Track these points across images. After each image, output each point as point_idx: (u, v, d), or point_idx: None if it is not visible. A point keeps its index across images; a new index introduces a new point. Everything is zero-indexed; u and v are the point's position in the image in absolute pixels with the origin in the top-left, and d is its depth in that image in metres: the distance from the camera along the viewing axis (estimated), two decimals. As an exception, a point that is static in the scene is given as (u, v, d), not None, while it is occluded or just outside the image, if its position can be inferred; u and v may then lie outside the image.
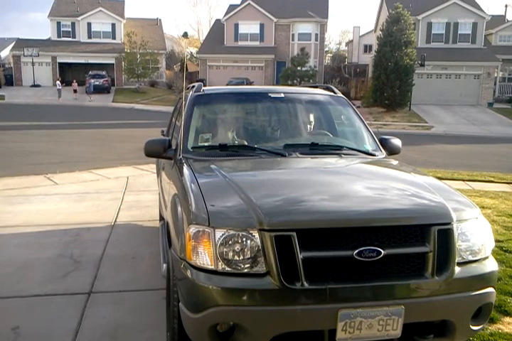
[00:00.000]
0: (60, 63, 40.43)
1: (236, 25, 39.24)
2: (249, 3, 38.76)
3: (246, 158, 3.53)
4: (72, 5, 43.02)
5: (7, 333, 3.36)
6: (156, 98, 35.41)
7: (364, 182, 3.06)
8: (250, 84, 33.50)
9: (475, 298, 2.60)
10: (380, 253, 2.42)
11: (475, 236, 2.68)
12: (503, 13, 43.06)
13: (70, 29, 42.20)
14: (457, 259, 2.56)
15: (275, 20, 38.54)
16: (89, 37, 42.11)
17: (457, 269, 2.55)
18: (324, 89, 4.69)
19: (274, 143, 3.85)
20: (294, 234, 2.37)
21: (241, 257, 2.42)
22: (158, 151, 3.67)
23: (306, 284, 2.36)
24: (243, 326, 2.38)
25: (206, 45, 40.56)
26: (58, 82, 33.52)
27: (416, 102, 30.12)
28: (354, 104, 4.56)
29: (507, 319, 3.58)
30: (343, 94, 4.64)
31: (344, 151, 3.73)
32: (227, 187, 2.81)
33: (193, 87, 4.33)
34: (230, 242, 2.43)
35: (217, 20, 42.43)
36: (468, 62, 33.13)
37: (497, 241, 4.52)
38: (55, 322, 3.53)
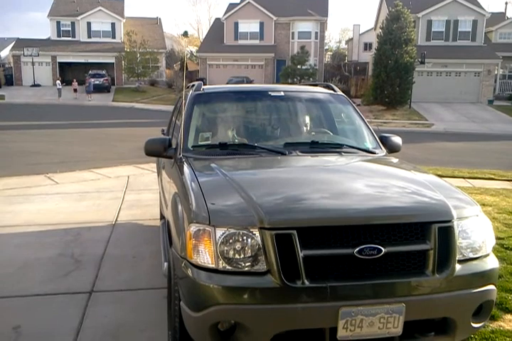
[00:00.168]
0: (60, 63, 40.45)
1: (236, 24, 39.21)
2: (248, 2, 38.72)
3: (246, 157, 3.53)
4: (72, 4, 42.99)
5: (8, 332, 3.36)
6: (156, 97, 35.41)
7: (364, 180, 3.06)
8: (250, 82, 33.44)
9: (476, 295, 2.60)
10: (381, 251, 2.42)
11: (476, 234, 2.67)
12: (503, 11, 43.09)
13: (69, 29, 42.20)
14: (458, 257, 2.56)
15: (275, 18, 38.49)
16: (89, 36, 42.10)
17: (458, 267, 2.55)
18: (324, 87, 4.68)
19: (275, 141, 3.84)
20: (295, 232, 2.37)
21: (242, 256, 2.42)
22: (159, 150, 3.67)
23: (306, 282, 2.36)
24: (244, 324, 2.39)
25: (206, 43, 40.54)
26: (58, 82, 33.54)
27: (416, 100, 30.10)
28: (354, 102, 4.55)
29: (508, 316, 3.58)
30: (343, 92, 4.64)
31: (344, 149, 3.72)
32: (227, 186, 2.81)
33: (193, 85, 4.33)
34: (231, 241, 2.43)
35: (217, 19, 42.40)
36: (469, 60, 33.12)
37: (498, 238, 4.52)
38: (56, 322, 3.53)
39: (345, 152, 3.67)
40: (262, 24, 39.00)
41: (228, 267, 2.42)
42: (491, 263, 2.71)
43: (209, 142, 3.81)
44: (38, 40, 41.06)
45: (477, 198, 7.03)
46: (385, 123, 24.41)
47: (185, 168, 3.21)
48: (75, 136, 16.92)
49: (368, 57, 41.12)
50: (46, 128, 18.99)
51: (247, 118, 4.28)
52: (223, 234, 2.43)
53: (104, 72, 37.53)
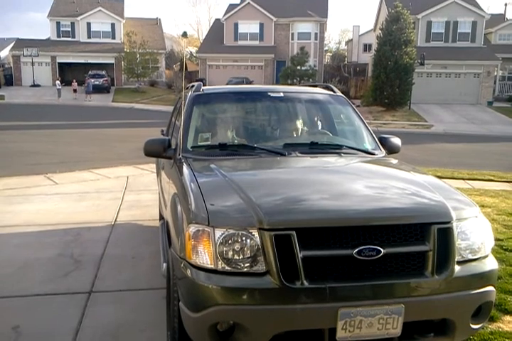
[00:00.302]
0: (59, 63, 40.43)
1: (236, 25, 39.22)
2: (248, 3, 38.74)
3: (245, 158, 3.53)
4: (72, 5, 43.00)
5: (8, 332, 3.36)
6: (156, 97, 35.41)
7: (364, 181, 3.06)
8: (250, 83, 33.49)
9: (475, 296, 2.60)
10: (380, 252, 2.43)
11: (475, 235, 2.68)
12: (503, 12, 43.06)
13: (69, 29, 42.20)
14: (457, 258, 2.56)
15: (275, 19, 38.52)
16: (89, 37, 42.11)
17: (457, 268, 2.55)
18: (324, 88, 4.69)
19: (274, 142, 3.85)
20: (294, 233, 2.37)
21: (241, 256, 2.42)
22: (158, 151, 3.68)
23: (306, 283, 2.36)
24: (243, 325, 2.39)
25: (206, 44, 40.56)
26: (58, 82, 33.49)
27: (416, 101, 30.11)
28: (354, 103, 4.56)
29: (507, 317, 3.58)
30: (342, 93, 4.64)
31: (344, 150, 3.73)
32: (226, 187, 2.82)
33: (193, 86, 4.33)
34: (230, 241, 2.43)
35: (217, 20, 42.43)
36: (468, 61, 33.13)
37: (497, 239, 4.53)
38: (56, 322, 3.53)
39: (344, 153, 3.68)
40: (261, 25, 39.02)
41: (227, 268, 2.42)
42: (490, 264, 2.72)
43: (208, 143, 3.82)
44: (37, 40, 41.06)
45: (476, 199, 7.03)
46: (384, 124, 24.42)
47: (185, 169, 3.21)
48: (75, 136, 16.91)
49: (367, 58, 41.15)
50: (46, 128, 18.99)
51: (246, 119, 4.28)
52: (222, 234, 2.43)
53: (103, 72, 37.50)
